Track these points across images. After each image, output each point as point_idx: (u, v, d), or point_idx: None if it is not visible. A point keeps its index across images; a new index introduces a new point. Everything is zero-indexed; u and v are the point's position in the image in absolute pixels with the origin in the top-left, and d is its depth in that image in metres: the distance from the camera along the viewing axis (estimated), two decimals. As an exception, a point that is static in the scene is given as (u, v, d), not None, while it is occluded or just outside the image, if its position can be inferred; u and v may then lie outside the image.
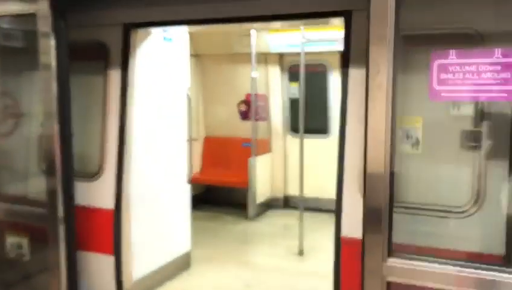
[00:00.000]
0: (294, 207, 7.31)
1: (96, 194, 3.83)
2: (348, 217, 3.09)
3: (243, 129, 7.41)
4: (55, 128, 3.40)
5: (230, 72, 7.46)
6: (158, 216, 4.41)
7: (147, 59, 4.08)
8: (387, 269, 2.58)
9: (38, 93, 4.06)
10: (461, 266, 2.44)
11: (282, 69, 7.34)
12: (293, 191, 7.44)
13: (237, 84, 7.44)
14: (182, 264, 4.83)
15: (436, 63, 2.53)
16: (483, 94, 2.44)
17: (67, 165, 3.50)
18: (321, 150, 6.92)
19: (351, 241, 3.05)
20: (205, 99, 7.74)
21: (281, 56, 7.24)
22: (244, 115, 7.53)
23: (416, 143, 2.71)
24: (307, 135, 7.43)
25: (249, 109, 7.44)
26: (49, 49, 3.33)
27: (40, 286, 3.84)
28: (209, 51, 7.40)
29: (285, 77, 7.36)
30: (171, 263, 4.63)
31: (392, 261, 2.58)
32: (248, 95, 7.39)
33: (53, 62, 3.35)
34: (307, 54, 6.79)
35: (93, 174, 3.84)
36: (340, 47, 6.36)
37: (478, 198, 2.75)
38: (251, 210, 6.80)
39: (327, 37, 6.06)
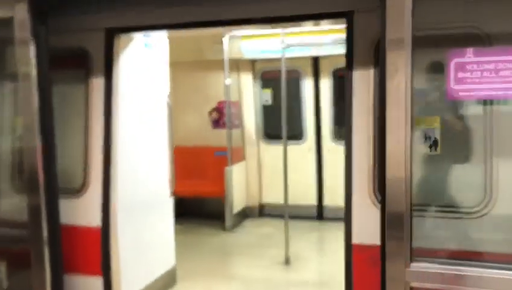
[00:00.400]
0: (270, 215, 7.23)
1: (81, 212, 3.55)
2: (358, 224, 3.00)
3: (214, 138, 7.23)
4: (37, 141, 3.13)
5: (200, 79, 7.26)
6: (143, 232, 4.16)
7: (129, 66, 3.86)
8: (411, 274, 2.51)
9: (11, 104, 3.81)
10: (486, 267, 2.41)
11: (254, 76, 7.23)
12: (268, 199, 7.34)
13: (208, 91, 7.26)
14: (168, 281, 4.59)
15: (453, 62, 2.50)
16: (502, 92, 2.43)
17: (51, 181, 3.23)
18: (297, 156, 6.85)
19: (362, 248, 2.97)
20: (175, 108, 7.47)
21: (253, 62, 7.14)
22: (216, 123, 7.35)
23: (435, 144, 2.66)
24: (282, 140, 7.40)
25: (221, 116, 7.29)
26: (28, 57, 3.06)
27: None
28: (179, 58, 7.16)
29: (258, 84, 7.25)
30: (157, 280, 4.39)
31: (415, 266, 2.52)
32: (220, 103, 7.24)
33: (33, 71, 3.08)
34: (279, 60, 6.76)
35: (77, 190, 3.56)
36: (315, 52, 6.54)
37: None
38: (228, 221, 6.61)
39: (304, 42, 6.01)
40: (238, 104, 7.18)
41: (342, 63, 6.56)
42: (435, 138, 2.65)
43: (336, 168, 6.96)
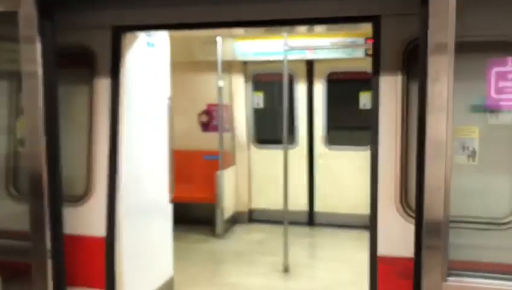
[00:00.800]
0: (259, 221, 7.08)
1: (84, 220, 3.32)
2: (384, 235, 2.89)
3: (203, 141, 7.04)
4: (42, 144, 2.90)
5: (190, 80, 7.06)
6: (144, 241, 3.95)
7: (134, 66, 3.66)
8: (448, 288, 2.42)
9: (11, 105, 3.55)
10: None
11: (246, 78, 7.07)
12: (258, 204, 7.20)
13: (198, 93, 7.06)
14: (167, 290, 4.39)
15: (493, 71, 2.44)
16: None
17: (56, 187, 3.00)
18: (289, 161, 6.73)
19: (388, 260, 2.87)
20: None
21: (245, 64, 6.98)
22: (205, 127, 7.16)
23: (473, 154, 2.59)
24: (273, 145, 7.28)
25: (211, 119, 7.11)
26: (34, 55, 2.83)
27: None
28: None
29: (249, 86, 7.10)
30: (157, 290, 4.19)
31: (453, 280, 2.44)
32: (209, 105, 7.06)
33: (39, 70, 2.85)
34: (272, 62, 6.66)
35: (79, 198, 3.33)
36: (310, 56, 6.45)
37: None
38: (219, 227, 6.44)
39: (306, 45, 5.92)
40: (228, 107, 7.02)
41: (336, 67, 6.67)
42: (473, 148, 2.58)
43: (328, 174, 6.92)
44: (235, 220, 7.02)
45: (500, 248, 2.72)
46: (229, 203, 6.74)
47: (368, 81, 6.68)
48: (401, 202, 2.85)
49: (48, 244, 2.96)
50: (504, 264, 2.63)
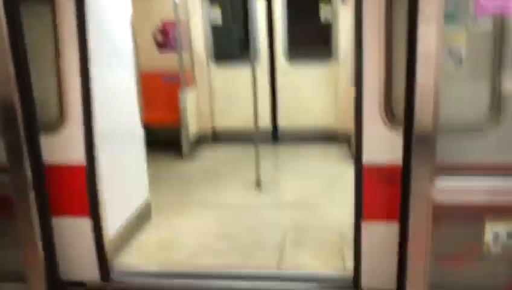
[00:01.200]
0: (224, 140, 7.09)
1: (61, 148, 3.16)
2: (369, 144, 2.97)
3: (161, 62, 6.76)
4: (10, 69, 2.67)
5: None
6: (120, 165, 3.86)
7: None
8: (436, 190, 2.56)
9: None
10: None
11: (202, -7, 6.72)
12: (221, 124, 7.16)
13: (150, 10, 6.64)
14: (145, 214, 4.39)
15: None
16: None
17: (31, 114, 2.82)
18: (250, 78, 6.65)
19: (374, 168, 2.97)
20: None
21: (200, -23, 6.60)
22: (162, 46, 6.85)
23: (459, 61, 2.63)
24: (234, 63, 7.14)
25: (167, 38, 6.79)
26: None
27: (8, 263, 3.19)
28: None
29: (205, 1, 6.75)
30: (135, 215, 4.17)
31: (440, 182, 2.57)
32: (165, 23, 6.71)
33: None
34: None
35: (54, 125, 3.14)
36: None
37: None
38: (186, 149, 6.39)
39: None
40: (184, 25, 6.69)
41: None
42: (460, 54, 2.62)
43: (290, 90, 6.92)
44: (200, 141, 6.98)
45: (482, 149, 2.87)
46: (192, 124, 6.66)
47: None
48: (385, 111, 2.90)
49: (29, 174, 2.84)
50: (485, 164, 2.80)
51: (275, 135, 7.10)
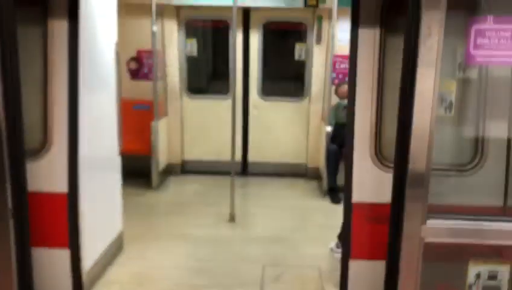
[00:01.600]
0: (192, 172, 7.00)
1: (43, 175, 3.04)
2: (358, 183, 3.03)
3: (132, 90, 6.66)
4: (-1, 87, 2.56)
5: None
6: (99, 195, 3.74)
7: (87, 6, 3.31)
8: (426, 230, 2.63)
9: None
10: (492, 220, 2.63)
11: (178, 24, 6.73)
12: (191, 156, 7.10)
13: (126, 39, 6.57)
14: (119, 245, 4.23)
15: (473, 28, 2.58)
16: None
17: (18, 136, 2.69)
18: (222, 111, 6.68)
19: (361, 206, 3.03)
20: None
21: (178, 9, 6.63)
22: (134, 74, 6.78)
23: (450, 106, 2.76)
24: (207, 95, 7.14)
25: (141, 67, 6.74)
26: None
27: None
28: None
29: (182, 33, 6.79)
30: (109, 247, 4.01)
31: (431, 223, 2.65)
32: (140, 52, 6.67)
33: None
34: (206, 8, 6.43)
35: (37, 150, 3.02)
36: (248, 3, 6.28)
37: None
38: (155, 179, 6.26)
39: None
40: (160, 54, 6.67)
41: (273, 16, 6.60)
42: (450, 100, 2.76)
43: (261, 124, 6.98)
44: (169, 171, 6.87)
45: (469, 191, 2.99)
46: (162, 154, 6.56)
47: (304, 33, 6.78)
48: (375, 151, 2.98)
49: (10, 201, 2.69)
50: (474, 206, 2.91)
51: (245, 168, 7.10)
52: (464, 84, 2.95)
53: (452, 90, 2.76)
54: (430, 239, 2.66)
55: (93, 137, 3.55)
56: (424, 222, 2.64)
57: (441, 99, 2.77)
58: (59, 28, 2.99)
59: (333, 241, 4.35)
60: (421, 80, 2.47)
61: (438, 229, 2.71)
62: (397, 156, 2.66)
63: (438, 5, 2.37)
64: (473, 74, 2.95)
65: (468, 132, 2.97)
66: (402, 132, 2.61)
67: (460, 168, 2.96)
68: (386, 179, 2.80)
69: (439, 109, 2.79)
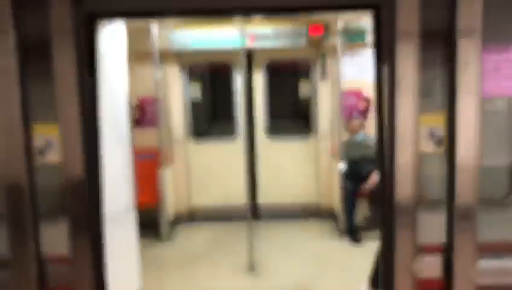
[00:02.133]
0: (201, 220, 6.79)
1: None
2: None
3: (136, 138, 6.53)
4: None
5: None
6: (117, 251, 3.54)
7: (103, 57, 3.22)
8: (477, 271, 2.49)
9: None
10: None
11: (181, 69, 6.69)
12: (199, 203, 6.91)
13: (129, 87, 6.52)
14: (137, 305, 4.01)
15: (487, 59, 2.51)
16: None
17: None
18: (230, 154, 6.56)
19: None
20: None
21: (180, 55, 6.60)
22: (138, 123, 6.66)
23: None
24: (213, 138, 7.03)
25: (143, 115, 6.64)
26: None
27: None
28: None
29: (185, 77, 6.73)
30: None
31: (482, 263, 2.50)
32: (142, 100, 6.58)
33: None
34: (208, 52, 6.42)
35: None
36: (250, 45, 6.28)
37: None
38: (165, 230, 6.05)
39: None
40: (163, 101, 6.59)
41: (277, 55, 6.59)
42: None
43: (270, 165, 6.85)
44: (176, 221, 6.66)
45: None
46: (170, 203, 6.38)
47: (308, 70, 6.76)
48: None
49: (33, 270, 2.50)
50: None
51: (255, 212, 6.91)
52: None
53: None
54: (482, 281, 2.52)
55: (111, 193, 3.38)
56: (475, 262, 2.50)
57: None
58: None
59: (363, 285, 4.15)
60: (460, 113, 2.42)
61: (491, 269, 2.57)
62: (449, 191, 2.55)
63: (474, 34, 2.35)
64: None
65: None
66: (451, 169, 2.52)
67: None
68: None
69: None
